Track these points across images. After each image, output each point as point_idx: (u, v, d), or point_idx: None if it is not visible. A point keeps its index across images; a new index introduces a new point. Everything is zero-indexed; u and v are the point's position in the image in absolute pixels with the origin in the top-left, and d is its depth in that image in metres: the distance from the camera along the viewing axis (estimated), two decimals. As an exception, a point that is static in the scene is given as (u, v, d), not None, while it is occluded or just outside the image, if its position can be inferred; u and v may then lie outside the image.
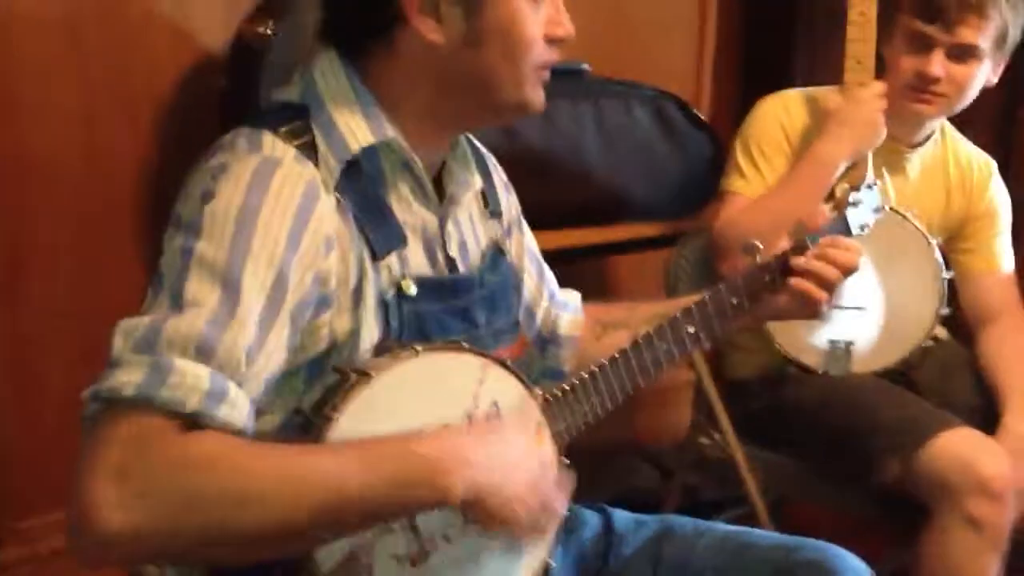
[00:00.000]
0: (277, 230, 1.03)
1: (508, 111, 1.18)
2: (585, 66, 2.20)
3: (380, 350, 1.10)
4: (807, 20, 3.15)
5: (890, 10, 1.92)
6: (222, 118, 1.92)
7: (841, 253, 1.36)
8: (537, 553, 1.19)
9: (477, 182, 1.27)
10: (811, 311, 1.37)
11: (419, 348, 1.08)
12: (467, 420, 1.11)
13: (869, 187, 1.50)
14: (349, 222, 1.10)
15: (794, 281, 1.34)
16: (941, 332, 2.04)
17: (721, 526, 1.37)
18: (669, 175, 2.27)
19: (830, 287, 1.35)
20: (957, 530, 1.72)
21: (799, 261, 1.35)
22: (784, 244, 1.38)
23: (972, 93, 1.93)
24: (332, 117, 1.12)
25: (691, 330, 1.31)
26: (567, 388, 1.22)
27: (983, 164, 2.07)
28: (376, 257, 1.11)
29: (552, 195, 2.07)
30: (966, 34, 1.84)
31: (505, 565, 1.16)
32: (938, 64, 1.86)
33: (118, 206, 2.00)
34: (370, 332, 1.11)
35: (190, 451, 0.94)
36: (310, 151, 1.09)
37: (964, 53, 1.86)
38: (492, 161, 1.36)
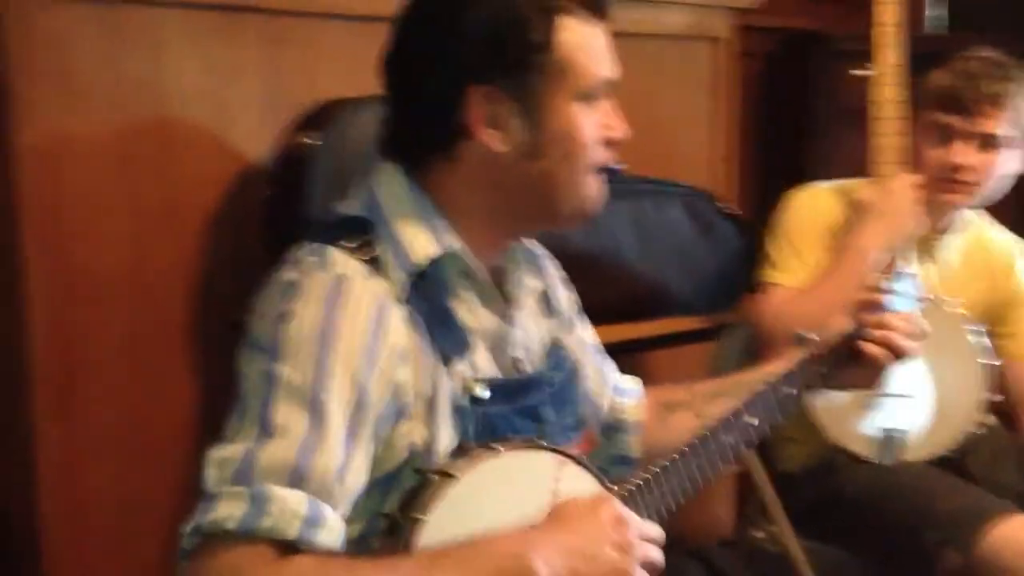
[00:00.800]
0: (355, 348, 1.05)
1: (567, 215, 1.20)
2: (620, 166, 2.23)
3: (459, 451, 1.11)
4: (823, 118, 3.24)
5: (914, 105, 1.99)
6: (269, 228, 1.94)
7: (909, 324, 1.40)
8: None
9: (538, 285, 1.30)
10: (876, 382, 1.42)
11: (500, 447, 1.09)
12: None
13: (906, 277, 1.52)
14: (420, 331, 1.12)
15: (867, 347, 1.38)
16: (989, 419, 2.03)
17: None
18: (705, 268, 2.29)
19: (902, 355, 1.39)
20: (1023, 618, 1.70)
21: (874, 333, 1.38)
22: (835, 336, 1.41)
23: (1001, 180, 1.98)
24: (396, 230, 1.14)
25: (755, 422, 1.32)
26: (641, 483, 1.22)
27: (1017, 248, 2.10)
28: (447, 363, 1.13)
29: (593, 292, 2.07)
30: (986, 124, 1.91)
31: None
32: (960, 154, 1.92)
33: (166, 321, 2.02)
34: (447, 437, 1.12)
35: None
36: (377, 265, 1.12)
37: (986, 142, 1.93)
38: (547, 258, 1.37)
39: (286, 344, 1.04)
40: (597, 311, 2.06)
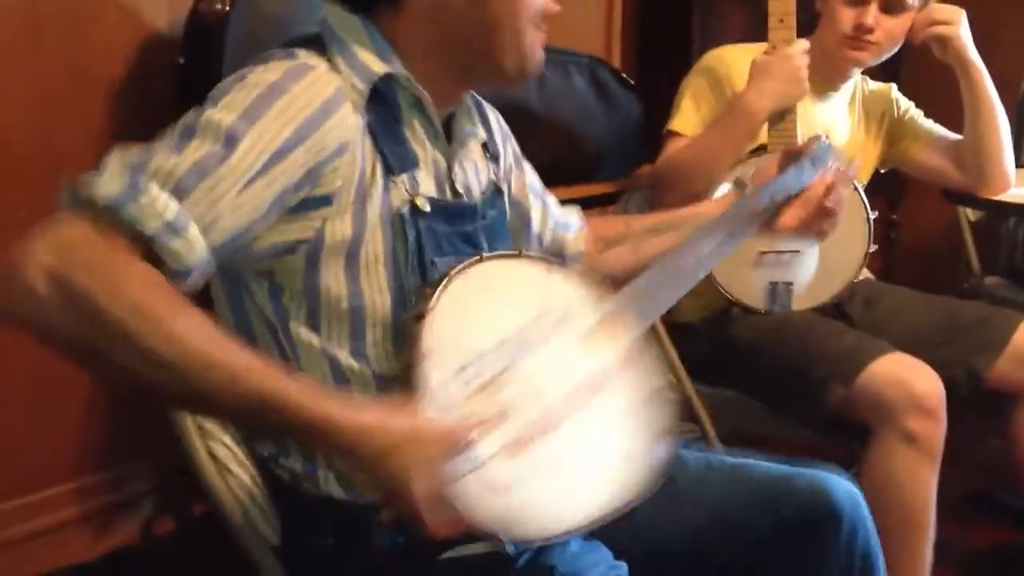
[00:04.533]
0: (291, 117, 1.09)
1: (512, 67, 1.24)
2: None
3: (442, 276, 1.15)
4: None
5: None
6: (181, 94, 1.95)
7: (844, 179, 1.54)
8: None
9: (482, 134, 1.36)
10: (817, 235, 1.56)
11: (484, 255, 1.17)
12: (540, 317, 1.18)
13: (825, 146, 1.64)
14: (367, 137, 1.17)
15: (828, 203, 1.51)
16: (864, 271, 2.20)
17: (728, 458, 1.48)
18: (606, 134, 2.38)
19: (828, 218, 1.54)
20: (896, 446, 1.87)
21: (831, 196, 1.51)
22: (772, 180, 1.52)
23: (899, 43, 2.12)
24: (352, 49, 1.19)
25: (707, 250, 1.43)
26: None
27: (885, 88, 2.29)
28: (392, 172, 1.19)
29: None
30: None
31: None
32: (872, 16, 2.05)
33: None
34: (382, 240, 1.17)
35: (117, 263, 0.98)
36: (337, 69, 1.17)
37: (895, 7, 2.07)
38: (494, 114, 1.44)
39: (230, 93, 1.09)
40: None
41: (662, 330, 2.12)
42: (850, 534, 1.38)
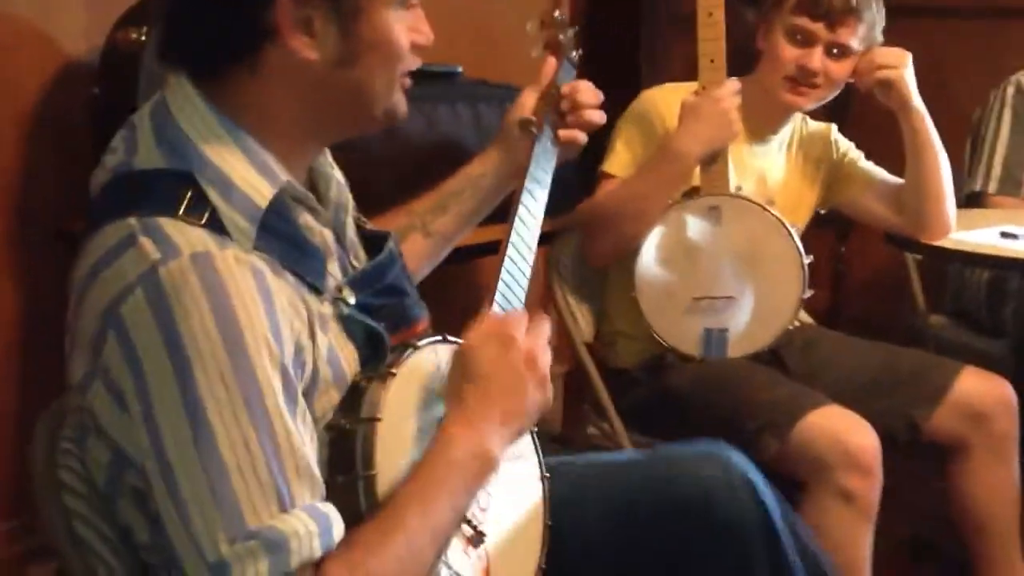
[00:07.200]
0: (262, 335, 0.99)
1: (378, 122, 1.17)
2: (459, 68, 2.23)
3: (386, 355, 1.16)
4: (650, 25, 3.29)
5: (773, 5, 2.05)
6: (95, 125, 1.88)
7: (585, 94, 1.56)
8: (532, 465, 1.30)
9: (338, 174, 1.26)
10: (577, 152, 1.60)
11: (416, 343, 1.17)
12: None
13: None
14: (285, 275, 1.06)
15: (563, 134, 1.54)
16: (803, 315, 2.15)
17: (603, 456, 1.48)
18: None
19: (591, 127, 1.57)
20: (831, 503, 1.82)
21: (567, 116, 1.55)
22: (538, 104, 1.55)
23: (840, 87, 2.08)
24: (224, 175, 1.05)
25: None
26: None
27: (825, 129, 2.23)
28: (320, 291, 1.11)
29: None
30: (845, 34, 2.00)
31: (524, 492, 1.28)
32: (818, 58, 2.00)
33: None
34: (341, 348, 1.13)
35: None
36: (219, 227, 1.03)
37: (840, 51, 2.02)
38: None
39: (195, 365, 0.97)
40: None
41: (597, 376, 2.07)
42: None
